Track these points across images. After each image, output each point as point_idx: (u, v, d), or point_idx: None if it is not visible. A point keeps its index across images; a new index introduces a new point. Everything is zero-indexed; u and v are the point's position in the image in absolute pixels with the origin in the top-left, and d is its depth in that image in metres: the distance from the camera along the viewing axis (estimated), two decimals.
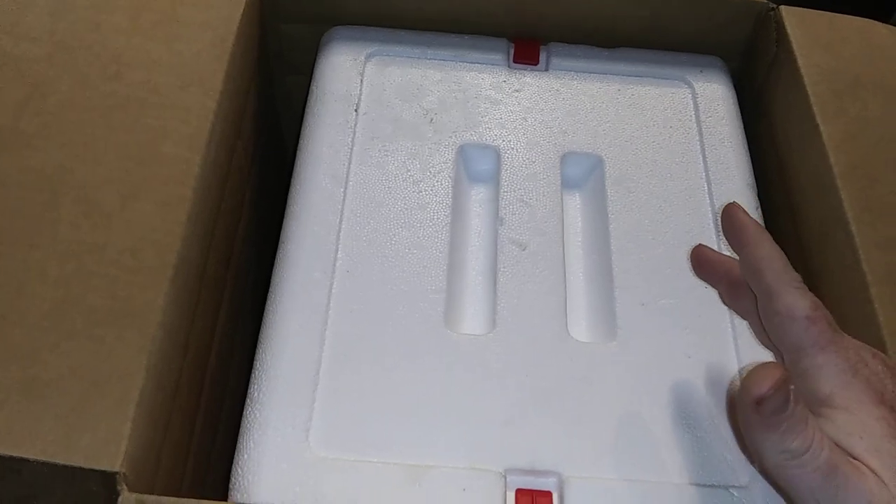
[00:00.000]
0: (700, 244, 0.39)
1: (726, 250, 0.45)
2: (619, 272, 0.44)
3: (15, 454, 0.32)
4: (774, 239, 0.46)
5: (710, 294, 0.43)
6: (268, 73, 0.56)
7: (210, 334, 0.44)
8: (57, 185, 0.39)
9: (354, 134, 0.48)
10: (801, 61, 0.49)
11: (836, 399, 0.30)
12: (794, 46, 0.49)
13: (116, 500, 0.32)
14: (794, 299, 0.32)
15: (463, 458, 0.37)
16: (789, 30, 0.50)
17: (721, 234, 0.45)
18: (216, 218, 0.44)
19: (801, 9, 0.51)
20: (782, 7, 0.51)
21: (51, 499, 0.33)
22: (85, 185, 0.39)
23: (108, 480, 0.32)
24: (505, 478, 0.37)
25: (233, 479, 0.37)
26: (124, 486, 0.32)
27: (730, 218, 0.35)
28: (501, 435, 0.38)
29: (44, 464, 0.32)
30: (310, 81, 0.52)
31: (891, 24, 0.53)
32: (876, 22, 0.51)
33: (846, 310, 0.42)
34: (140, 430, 0.34)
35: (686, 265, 0.44)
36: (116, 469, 0.32)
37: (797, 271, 0.45)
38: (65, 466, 0.32)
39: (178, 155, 0.41)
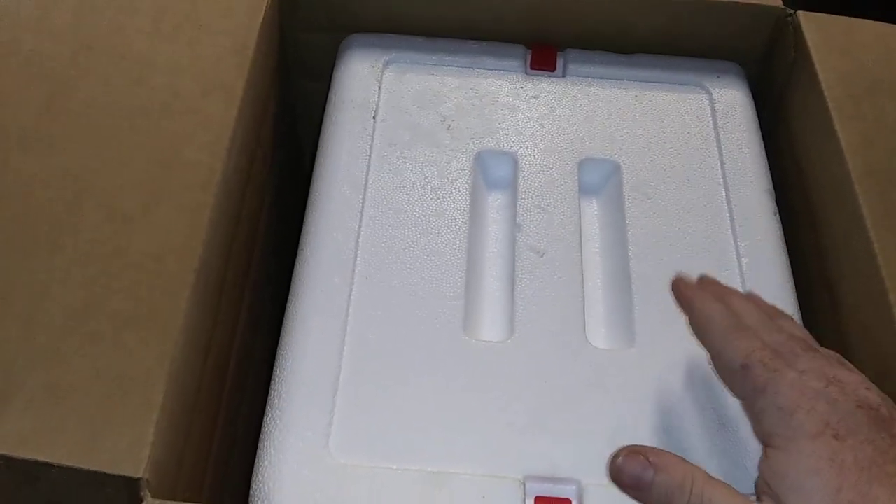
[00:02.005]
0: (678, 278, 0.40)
1: (745, 256, 0.45)
2: (637, 278, 0.44)
3: (39, 458, 0.32)
4: (793, 244, 0.46)
5: None
6: (286, 79, 0.56)
7: (230, 339, 0.45)
8: (80, 188, 0.39)
9: (373, 141, 0.48)
10: (818, 66, 0.49)
11: (774, 439, 0.32)
12: (812, 51, 0.49)
13: None
14: (729, 355, 0.34)
15: (482, 465, 0.38)
16: (807, 35, 0.50)
17: (738, 238, 0.45)
18: (236, 223, 0.44)
19: (818, 14, 0.51)
20: (800, 12, 0.51)
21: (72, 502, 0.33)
22: (108, 188, 0.40)
23: (131, 486, 0.32)
24: (524, 485, 0.37)
25: (253, 485, 0.37)
26: (147, 493, 0.32)
27: (674, 290, 0.39)
28: (520, 442, 0.38)
29: (66, 468, 0.32)
30: (328, 89, 0.52)
31: None
32: (893, 25, 0.51)
33: (865, 315, 0.42)
34: (163, 436, 0.34)
35: (703, 271, 0.44)
36: (140, 475, 0.32)
37: (817, 275, 0.45)
38: (88, 472, 0.32)
39: (199, 161, 0.41)
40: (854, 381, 0.33)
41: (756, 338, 0.35)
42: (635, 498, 0.34)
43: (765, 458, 0.33)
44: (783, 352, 0.34)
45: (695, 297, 0.37)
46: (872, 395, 0.32)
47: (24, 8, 0.46)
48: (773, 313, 0.38)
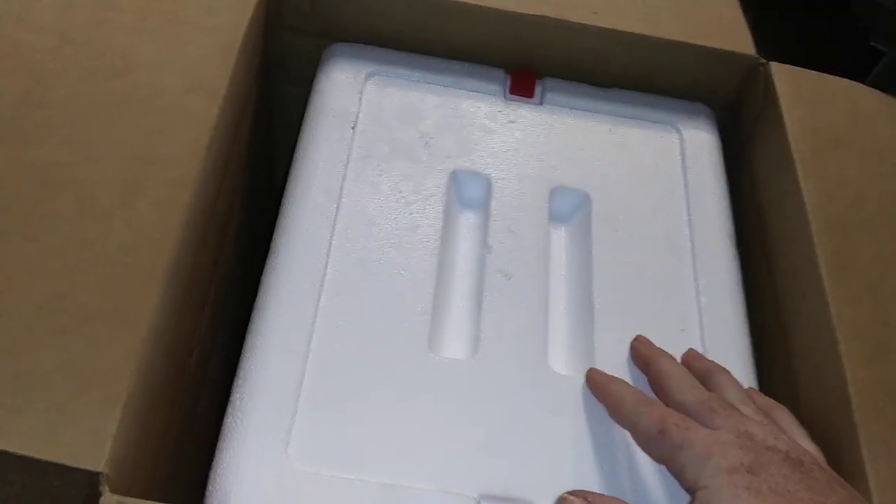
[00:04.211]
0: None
1: (703, 294, 0.47)
2: (600, 308, 0.45)
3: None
4: (750, 287, 0.48)
5: (685, 336, 0.45)
6: (267, 81, 0.56)
7: (192, 337, 0.44)
8: (55, 180, 0.39)
9: (350, 151, 0.49)
10: (786, 117, 0.51)
11: (698, 482, 0.36)
12: (781, 102, 0.51)
13: (97, 500, 0.32)
14: (645, 425, 0.38)
15: (438, 481, 0.38)
16: (777, 86, 0.52)
17: (698, 276, 0.47)
18: (208, 222, 0.44)
19: (789, 66, 0.53)
20: (772, 63, 0.53)
21: (39, 496, 0.33)
22: (84, 181, 0.39)
23: (90, 480, 0.32)
24: (479, 502, 0.38)
25: (210, 485, 0.37)
26: (106, 488, 0.32)
27: (589, 382, 0.42)
28: (477, 460, 0.39)
29: (25, 458, 0.32)
30: (309, 95, 0.52)
31: (868, 81, 0.55)
32: (861, 85, 0.53)
33: (817, 363, 0.43)
34: (124, 431, 0.34)
35: (663, 306, 0.46)
36: (100, 469, 0.32)
37: (771, 318, 0.47)
38: (48, 462, 0.32)
39: (178, 158, 0.41)
40: (763, 432, 0.37)
41: (664, 405, 0.39)
42: None
43: (693, 501, 0.36)
44: (700, 411, 0.38)
45: (607, 383, 0.41)
46: (781, 443, 0.36)
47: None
48: (711, 369, 0.42)
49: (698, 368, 0.42)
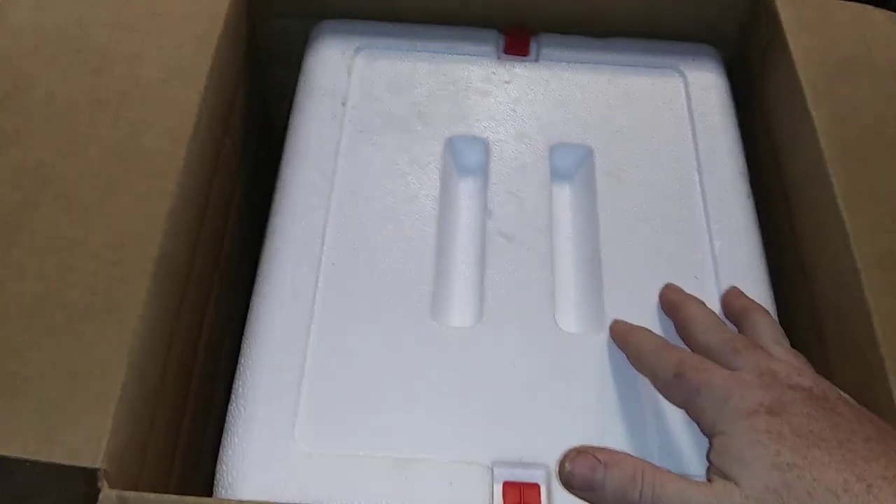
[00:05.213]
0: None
1: (717, 238, 0.45)
2: (608, 262, 0.44)
3: None
4: (768, 227, 0.46)
5: (700, 283, 0.43)
6: (256, 67, 0.55)
7: (198, 329, 0.44)
8: (37, 181, 0.39)
9: (342, 128, 0.48)
10: (792, 44, 0.48)
11: (716, 426, 0.34)
12: (786, 30, 0.49)
13: (97, 496, 0.32)
14: (663, 369, 0.37)
15: (450, 451, 0.37)
16: (781, 14, 0.50)
17: (710, 221, 0.45)
18: (203, 213, 0.44)
19: None
20: None
21: (41, 497, 0.33)
22: (65, 179, 0.39)
23: (89, 477, 0.32)
24: (492, 470, 0.37)
25: (218, 474, 0.37)
26: (105, 483, 0.32)
27: (613, 332, 0.41)
28: (489, 427, 0.38)
29: (22, 461, 0.32)
30: (298, 75, 0.51)
31: (890, 8, 0.52)
32: (871, 7, 0.51)
33: (838, 296, 0.41)
34: (122, 426, 0.33)
35: (675, 255, 0.44)
36: (97, 465, 0.32)
37: (791, 257, 0.45)
38: (46, 464, 0.32)
39: (160, 149, 0.41)
40: (786, 369, 0.35)
41: (684, 349, 0.38)
42: (590, 500, 0.35)
43: (710, 447, 0.34)
44: (723, 350, 0.36)
45: (628, 331, 0.40)
46: (805, 378, 0.35)
47: None
48: (750, 307, 0.40)
49: (737, 306, 0.41)
